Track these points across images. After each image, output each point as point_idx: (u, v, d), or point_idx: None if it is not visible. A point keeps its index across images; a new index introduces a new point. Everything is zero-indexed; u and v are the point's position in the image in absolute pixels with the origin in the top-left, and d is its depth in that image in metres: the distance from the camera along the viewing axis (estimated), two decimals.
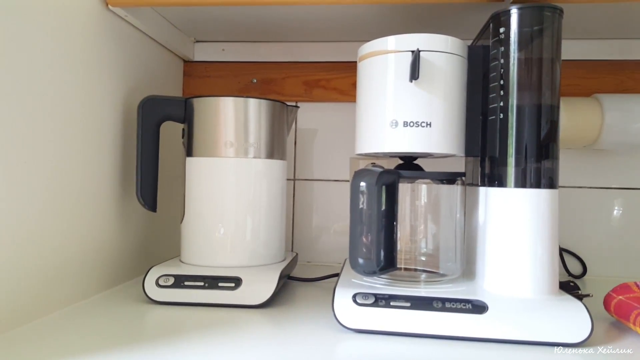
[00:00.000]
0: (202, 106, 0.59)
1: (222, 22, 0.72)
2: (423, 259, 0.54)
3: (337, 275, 0.59)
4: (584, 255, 0.75)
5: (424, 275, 0.53)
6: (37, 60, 0.46)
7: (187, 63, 0.82)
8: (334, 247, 0.81)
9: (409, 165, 0.55)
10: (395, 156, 0.55)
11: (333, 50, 0.80)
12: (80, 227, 0.54)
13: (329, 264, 0.80)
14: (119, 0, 0.56)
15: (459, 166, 0.75)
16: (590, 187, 0.76)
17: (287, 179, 0.82)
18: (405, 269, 0.54)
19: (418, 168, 0.55)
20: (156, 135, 0.60)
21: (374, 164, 0.76)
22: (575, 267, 0.75)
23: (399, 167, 0.55)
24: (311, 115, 0.81)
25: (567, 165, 0.76)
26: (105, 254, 0.59)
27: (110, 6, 0.57)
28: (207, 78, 0.82)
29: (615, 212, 0.75)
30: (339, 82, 0.80)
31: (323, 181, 0.82)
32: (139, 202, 0.60)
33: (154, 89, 0.71)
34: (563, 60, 0.74)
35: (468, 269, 0.54)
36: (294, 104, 0.81)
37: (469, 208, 0.54)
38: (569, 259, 0.75)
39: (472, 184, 0.54)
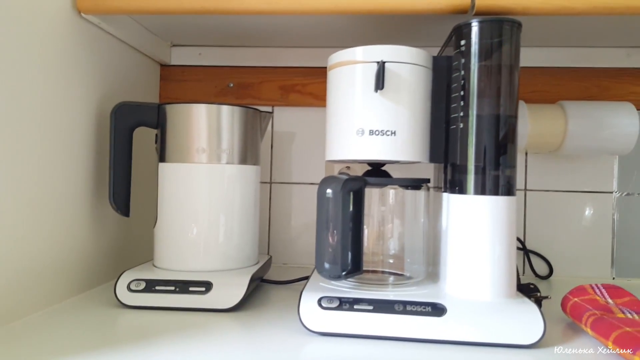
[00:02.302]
0: (175, 112, 0.59)
1: (199, 27, 0.73)
2: (390, 261, 0.56)
3: (307, 278, 0.60)
4: (550, 257, 0.78)
5: (390, 278, 0.55)
6: (7, 68, 0.47)
7: (164, 67, 0.83)
8: (311, 249, 0.82)
9: (376, 171, 0.57)
10: (363, 162, 0.57)
11: (308, 56, 0.81)
12: (53, 232, 0.54)
13: (305, 265, 0.82)
14: (92, 8, 0.57)
15: (428, 171, 0.77)
16: (557, 191, 0.78)
17: (264, 182, 0.83)
18: (372, 271, 0.56)
19: (386, 174, 0.56)
20: (129, 141, 0.60)
21: (348, 168, 0.78)
22: (542, 268, 0.78)
23: (367, 173, 0.56)
24: (288, 119, 0.83)
25: (534, 169, 0.79)
26: (78, 258, 0.59)
27: (82, 14, 0.58)
28: (184, 82, 0.83)
29: (580, 214, 0.78)
30: (314, 87, 0.81)
31: (300, 184, 0.83)
32: (112, 207, 0.60)
33: (130, 93, 0.71)
34: (529, 67, 0.77)
35: (434, 272, 0.56)
36: (269, 108, 0.82)
37: (436, 212, 0.56)
38: (535, 261, 0.78)
39: (438, 187, 0.56)
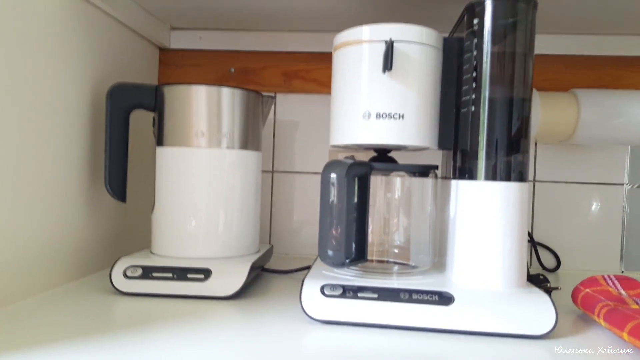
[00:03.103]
0: (174, 94, 0.57)
1: (199, 9, 0.71)
2: (395, 250, 0.54)
3: (309, 267, 0.58)
4: (558, 249, 0.76)
5: (395, 267, 0.53)
6: None
7: (163, 51, 0.81)
8: (313, 239, 0.81)
9: (383, 157, 0.55)
10: (368, 148, 0.55)
11: (313, 41, 0.79)
12: (47, 217, 0.52)
13: (307, 256, 0.80)
14: None
15: (436, 159, 0.75)
16: (566, 182, 0.76)
17: (266, 171, 0.81)
18: (377, 260, 0.54)
19: (392, 160, 0.55)
20: (125, 124, 0.58)
21: (352, 157, 0.76)
22: (549, 260, 0.76)
23: (372, 159, 0.55)
24: (290, 107, 0.81)
25: (543, 159, 0.77)
26: (73, 244, 0.57)
27: None
28: (184, 67, 0.81)
29: (589, 206, 0.76)
30: (318, 73, 0.79)
31: (303, 174, 0.81)
32: (108, 193, 0.59)
33: (128, 77, 0.69)
34: (542, 54, 0.75)
35: (441, 262, 0.54)
36: (272, 95, 0.80)
37: (443, 200, 0.54)
38: (543, 253, 0.76)
39: (446, 177, 0.54)
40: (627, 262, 0.75)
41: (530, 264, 0.76)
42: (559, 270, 0.75)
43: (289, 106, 0.81)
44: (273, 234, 0.81)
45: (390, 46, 0.47)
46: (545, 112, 0.66)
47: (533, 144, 0.77)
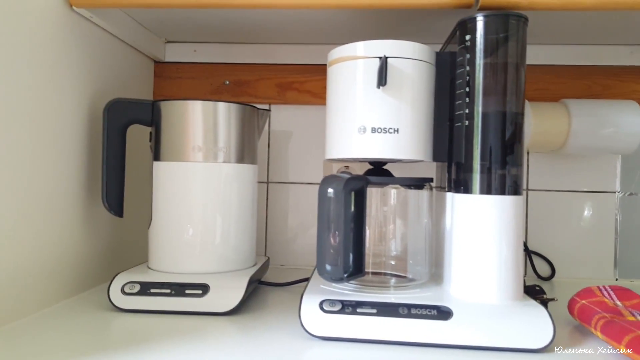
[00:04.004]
0: (170, 109, 0.58)
1: (194, 23, 0.71)
2: (392, 263, 0.55)
3: (307, 279, 0.58)
4: (553, 258, 0.77)
5: (392, 280, 0.53)
6: None
7: (158, 64, 0.81)
8: (309, 250, 0.81)
9: (378, 170, 0.55)
10: (364, 161, 0.55)
11: (307, 53, 0.79)
12: (44, 233, 0.52)
13: (303, 267, 0.80)
14: (83, 1, 0.55)
15: (429, 171, 0.75)
16: (559, 191, 0.77)
17: (260, 182, 0.81)
18: (374, 273, 0.54)
19: (387, 173, 0.55)
20: (122, 139, 0.58)
21: (347, 167, 0.76)
22: (544, 269, 0.77)
23: (368, 172, 0.55)
24: (285, 118, 0.81)
25: (536, 168, 0.78)
26: (70, 260, 0.57)
27: (74, 7, 0.56)
28: (179, 79, 0.81)
29: (582, 215, 0.77)
30: (312, 84, 0.79)
31: (298, 184, 0.81)
32: (105, 208, 0.58)
33: (123, 90, 0.69)
34: (532, 65, 0.76)
35: (437, 273, 0.54)
36: (266, 106, 0.81)
37: (439, 213, 0.54)
38: (537, 262, 0.77)
39: (441, 187, 0.55)
40: (621, 269, 0.76)
41: (525, 273, 0.76)
42: (554, 279, 0.75)
43: (283, 117, 0.81)
44: (269, 245, 0.81)
45: (384, 62, 0.47)
46: (537, 123, 0.67)
47: (525, 153, 0.77)
